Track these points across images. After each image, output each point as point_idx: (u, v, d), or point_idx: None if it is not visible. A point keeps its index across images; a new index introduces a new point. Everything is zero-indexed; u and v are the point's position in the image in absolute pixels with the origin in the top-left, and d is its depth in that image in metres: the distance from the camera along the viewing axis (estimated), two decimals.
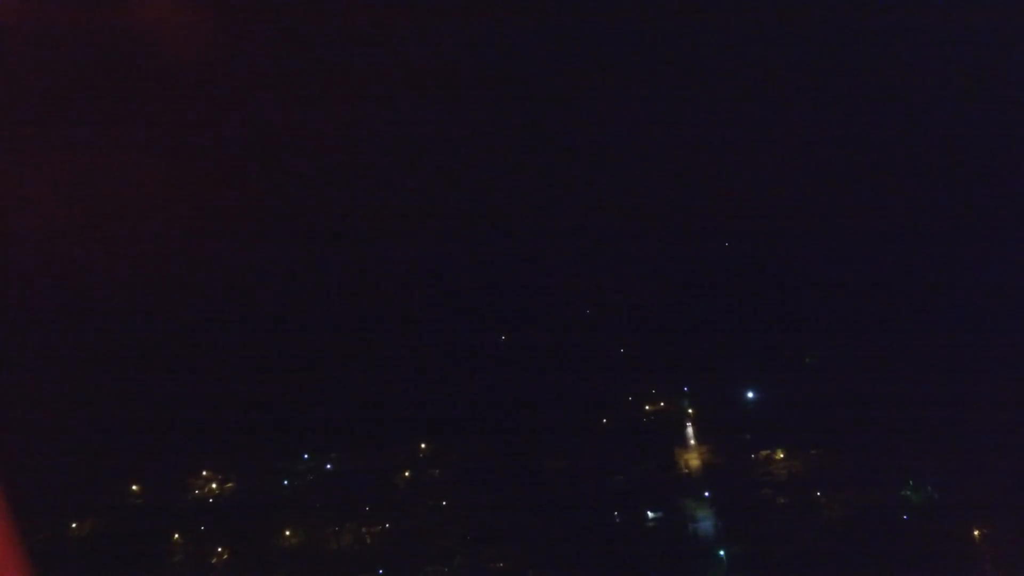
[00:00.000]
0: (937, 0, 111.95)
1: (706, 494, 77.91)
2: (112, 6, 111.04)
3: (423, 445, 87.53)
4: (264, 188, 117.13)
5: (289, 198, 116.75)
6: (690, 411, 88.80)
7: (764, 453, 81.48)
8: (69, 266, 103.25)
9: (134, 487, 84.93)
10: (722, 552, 71.56)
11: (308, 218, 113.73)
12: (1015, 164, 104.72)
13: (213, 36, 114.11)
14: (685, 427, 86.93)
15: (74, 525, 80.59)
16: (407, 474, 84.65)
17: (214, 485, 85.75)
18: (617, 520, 75.79)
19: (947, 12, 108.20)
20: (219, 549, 77.73)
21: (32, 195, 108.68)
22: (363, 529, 78.35)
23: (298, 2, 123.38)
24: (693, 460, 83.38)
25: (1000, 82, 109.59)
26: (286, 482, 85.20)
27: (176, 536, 79.49)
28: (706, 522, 75.05)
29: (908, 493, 74.02)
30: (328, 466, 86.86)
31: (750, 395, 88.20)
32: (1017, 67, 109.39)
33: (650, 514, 76.34)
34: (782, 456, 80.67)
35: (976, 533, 68.03)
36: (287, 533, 78.65)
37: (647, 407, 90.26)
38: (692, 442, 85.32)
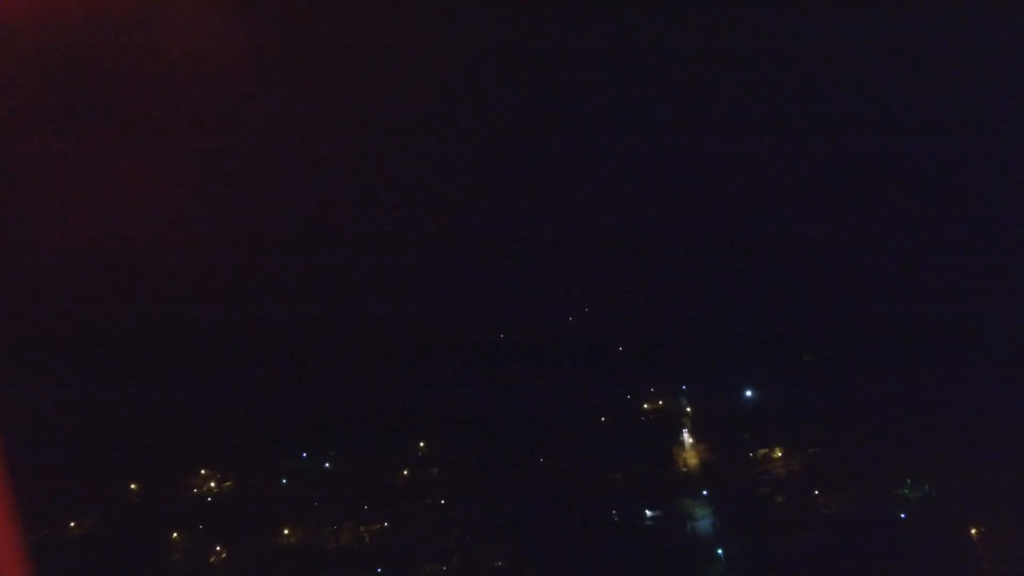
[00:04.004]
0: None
1: (704, 493, 78.06)
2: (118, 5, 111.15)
3: (421, 444, 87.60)
4: (264, 188, 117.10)
5: (289, 198, 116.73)
6: (688, 410, 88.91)
7: (762, 452, 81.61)
8: (69, 265, 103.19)
9: (133, 486, 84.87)
10: (720, 550, 71.68)
11: (307, 217, 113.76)
12: (1015, 164, 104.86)
13: (219, 34, 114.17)
14: (683, 426, 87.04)
15: (73, 524, 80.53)
16: (405, 473, 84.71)
17: (213, 484, 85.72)
18: (615, 519, 75.85)
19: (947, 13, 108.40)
20: (218, 548, 77.76)
21: (34, 194, 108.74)
22: (361, 528, 78.36)
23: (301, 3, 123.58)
24: (691, 459, 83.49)
25: (1000, 83, 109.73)
26: (285, 481, 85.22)
27: (175, 535, 79.48)
28: (704, 520, 75.17)
29: (906, 491, 74.14)
30: (327, 465, 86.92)
31: (748, 394, 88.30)
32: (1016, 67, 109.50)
33: (648, 512, 76.42)
34: (780, 455, 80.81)
35: (973, 532, 68.18)
36: (285, 532, 78.66)
37: (645, 406, 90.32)
38: (690, 441, 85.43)
